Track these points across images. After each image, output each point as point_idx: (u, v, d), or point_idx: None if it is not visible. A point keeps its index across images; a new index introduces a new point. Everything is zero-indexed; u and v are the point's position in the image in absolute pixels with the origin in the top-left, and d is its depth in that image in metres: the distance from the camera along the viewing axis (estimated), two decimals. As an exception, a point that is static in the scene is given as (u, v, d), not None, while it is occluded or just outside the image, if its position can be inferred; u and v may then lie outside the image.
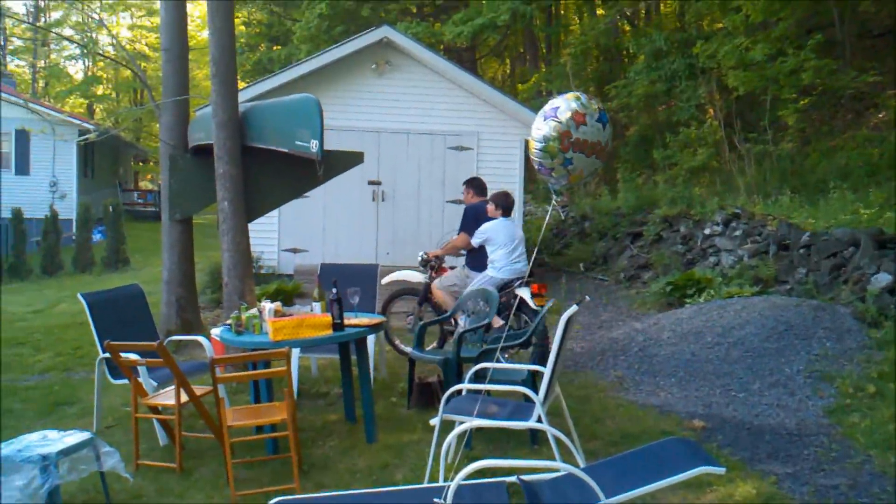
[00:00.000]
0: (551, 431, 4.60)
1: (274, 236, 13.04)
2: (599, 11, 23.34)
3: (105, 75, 46.94)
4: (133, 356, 5.77)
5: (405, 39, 13.33)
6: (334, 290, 5.71)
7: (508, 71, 32.48)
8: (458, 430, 4.43)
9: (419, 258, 8.81)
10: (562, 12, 27.05)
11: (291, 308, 6.34)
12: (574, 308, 4.98)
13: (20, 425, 6.65)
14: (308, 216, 13.05)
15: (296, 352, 6.76)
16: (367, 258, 12.60)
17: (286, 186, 8.42)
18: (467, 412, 4.91)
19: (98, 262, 19.91)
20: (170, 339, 7.62)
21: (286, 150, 7.40)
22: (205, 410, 5.51)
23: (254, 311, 5.95)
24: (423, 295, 8.76)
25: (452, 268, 8.97)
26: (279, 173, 8.18)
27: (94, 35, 44.86)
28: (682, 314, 9.01)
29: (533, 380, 5.58)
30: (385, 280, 8.73)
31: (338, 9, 22.50)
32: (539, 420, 4.76)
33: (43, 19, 46.78)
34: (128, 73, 41.60)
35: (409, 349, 7.56)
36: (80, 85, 45.85)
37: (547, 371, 4.91)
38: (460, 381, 5.84)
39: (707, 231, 11.92)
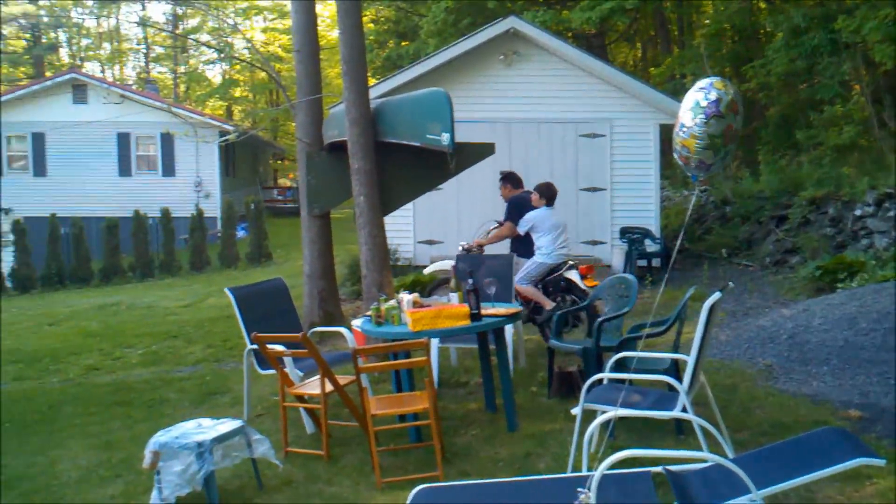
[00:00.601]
0: (697, 421, 4.49)
1: (409, 229, 13.22)
2: (733, -11, 22.52)
3: (242, 78, 48.57)
4: (279, 347, 5.96)
5: (532, 29, 13.27)
6: (471, 281, 5.74)
7: (640, 55, 31.82)
8: (600, 419, 4.38)
9: (459, 248, 9.09)
10: (693, -8, 26.22)
11: (429, 299, 6.42)
12: (717, 295, 4.84)
13: (176, 414, 7.00)
14: (442, 208, 13.16)
15: (435, 341, 6.83)
16: (502, 248, 12.57)
17: (419, 179, 8.53)
18: (609, 401, 4.84)
19: (242, 258, 20.71)
20: (313, 330, 7.83)
21: (418, 144, 7.48)
22: (349, 399, 5.64)
23: (393, 302, 6.04)
24: None
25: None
26: (412, 167, 8.29)
27: (229, 39, 46.55)
28: (833, 299, 8.63)
29: (676, 369, 5.47)
30: (426, 270, 8.98)
31: (464, 1, 22.55)
32: (684, 409, 4.65)
33: (181, 27, 48.85)
34: (263, 74, 42.95)
35: None
36: (218, 88, 47.64)
37: (691, 359, 4.81)
38: (600, 370, 5.78)
39: (858, 212, 11.38)
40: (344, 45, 8.13)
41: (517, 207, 8.84)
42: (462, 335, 6.63)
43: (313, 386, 5.92)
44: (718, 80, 4.73)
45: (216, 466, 4.85)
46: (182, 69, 51.69)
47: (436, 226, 13.35)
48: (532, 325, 8.59)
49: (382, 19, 34.28)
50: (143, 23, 46.94)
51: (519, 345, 7.73)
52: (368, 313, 6.14)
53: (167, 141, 26.95)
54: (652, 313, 5.53)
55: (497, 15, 16.85)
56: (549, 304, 8.30)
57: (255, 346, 6.14)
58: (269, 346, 5.84)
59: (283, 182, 46.10)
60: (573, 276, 8.37)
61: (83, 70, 38.47)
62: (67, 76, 28.31)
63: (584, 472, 4.16)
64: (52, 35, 51.30)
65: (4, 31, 49.21)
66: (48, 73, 42.24)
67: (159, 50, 52.87)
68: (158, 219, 21.09)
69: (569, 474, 4.41)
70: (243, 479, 5.33)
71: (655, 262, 12.99)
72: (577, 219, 13.25)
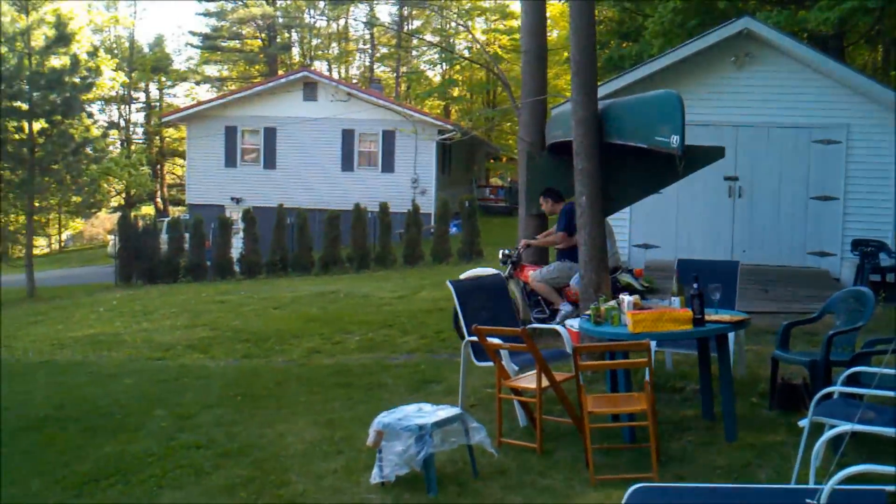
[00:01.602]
0: (939, 445, 4.18)
1: (625, 231, 13.00)
2: None
3: (460, 78, 49.65)
4: (497, 340, 6.06)
5: (767, 30, 12.73)
6: (695, 286, 5.60)
7: (880, 59, 29.74)
8: (831, 432, 4.17)
9: (500, 254, 9.69)
10: (948, -11, 24.16)
11: (649, 302, 6.33)
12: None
13: (393, 398, 7.28)
14: (660, 212, 12.87)
15: (652, 344, 6.73)
16: (722, 255, 12.14)
17: (643, 182, 8.39)
18: (840, 416, 4.60)
19: (454, 254, 21.18)
20: (528, 326, 7.89)
21: (645, 146, 7.36)
22: (565, 396, 5.65)
23: (613, 303, 6.00)
24: None
25: (535, 265, 9.52)
26: (637, 169, 8.16)
27: (451, 40, 47.71)
28: None
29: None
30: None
31: (693, 1, 21.92)
32: (925, 429, 4.35)
33: (406, 27, 50.58)
34: (481, 74, 43.78)
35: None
36: (437, 87, 48.96)
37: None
38: (828, 384, 5.49)
39: None
40: (575, 46, 8.09)
41: (573, 217, 8.73)
42: (682, 340, 6.51)
43: (529, 380, 5.98)
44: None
45: (435, 450, 5.00)
46: (404, 69, 53.50)
47: (652, 230, 13.09)
48: None
49: (606, 20, 33.94)
50: (371, 23, 48.95)
51: (740, 353, 7.47)
52: (587, 312, 6.14)
53: (388, 138, 28.05)
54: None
55: (727, 15, 16.28)
56: (559, 303, 8.99)
57: (473, 338, 6.28)
58: (488, 338, 5.95)
59: (496, 181, 46.74)
60: (628, 277, 8.96)
61: (313, 69, 40.68)
62: (299, 74, 30.09)
63: (812, 485, 3.97)
64: (286, 35, 54.61)
65: (243, 32, 52.94)
66: (281, 72, 44.98)
67: (383, 50, 55.03)
68: (377, 213, 21.95)
69: (794, 485, 4.22)
70: (458, 464, 5.47)
71: (890, 278, 12.13)
72: (805, 228, 12.65)
